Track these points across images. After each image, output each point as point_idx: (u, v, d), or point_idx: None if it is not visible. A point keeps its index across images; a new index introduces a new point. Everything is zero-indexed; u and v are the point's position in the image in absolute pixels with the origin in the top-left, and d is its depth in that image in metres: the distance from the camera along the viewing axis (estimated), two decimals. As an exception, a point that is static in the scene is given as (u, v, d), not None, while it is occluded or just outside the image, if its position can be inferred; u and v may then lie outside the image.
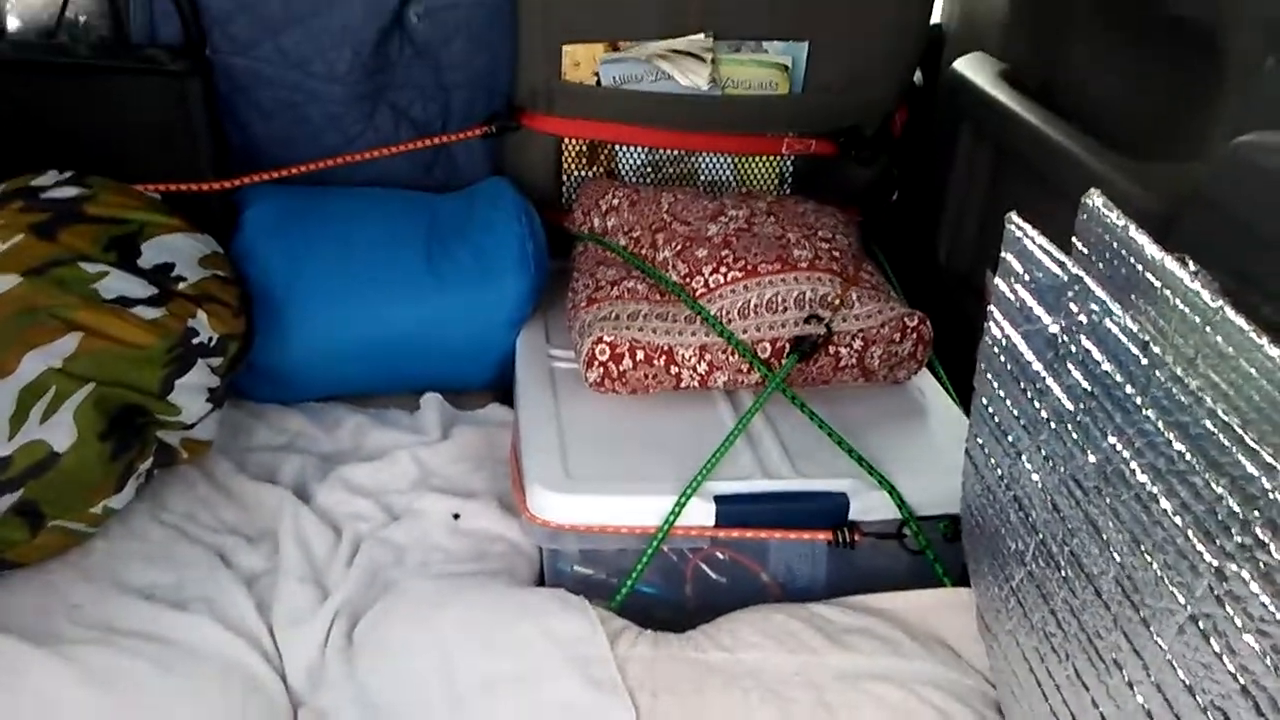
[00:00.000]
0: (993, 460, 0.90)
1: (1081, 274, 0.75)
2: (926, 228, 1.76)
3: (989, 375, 0.89)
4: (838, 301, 1.35)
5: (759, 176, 1.72)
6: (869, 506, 1.17)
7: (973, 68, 1.61)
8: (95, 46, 1.41)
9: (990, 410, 0.89)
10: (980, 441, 0.92)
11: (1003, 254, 0.87)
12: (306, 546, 1.21)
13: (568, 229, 1.61)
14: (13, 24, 1.38)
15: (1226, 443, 0.61)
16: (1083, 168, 1.29)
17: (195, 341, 1.22)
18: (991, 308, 0.89)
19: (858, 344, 1.33)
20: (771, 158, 1.70)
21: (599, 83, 1.58)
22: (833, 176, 1.74)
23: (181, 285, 1.26)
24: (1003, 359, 0.87)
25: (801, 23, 1.58)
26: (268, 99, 1.48)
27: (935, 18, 1.77)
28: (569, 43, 1.55)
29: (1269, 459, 0.57)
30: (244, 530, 1.24)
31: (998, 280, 0.88)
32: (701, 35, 1.56)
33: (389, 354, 1.47)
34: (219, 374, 1.26)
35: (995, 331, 0.88)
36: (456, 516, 1.28)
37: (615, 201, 1.55)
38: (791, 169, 1.72)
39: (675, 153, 1.68)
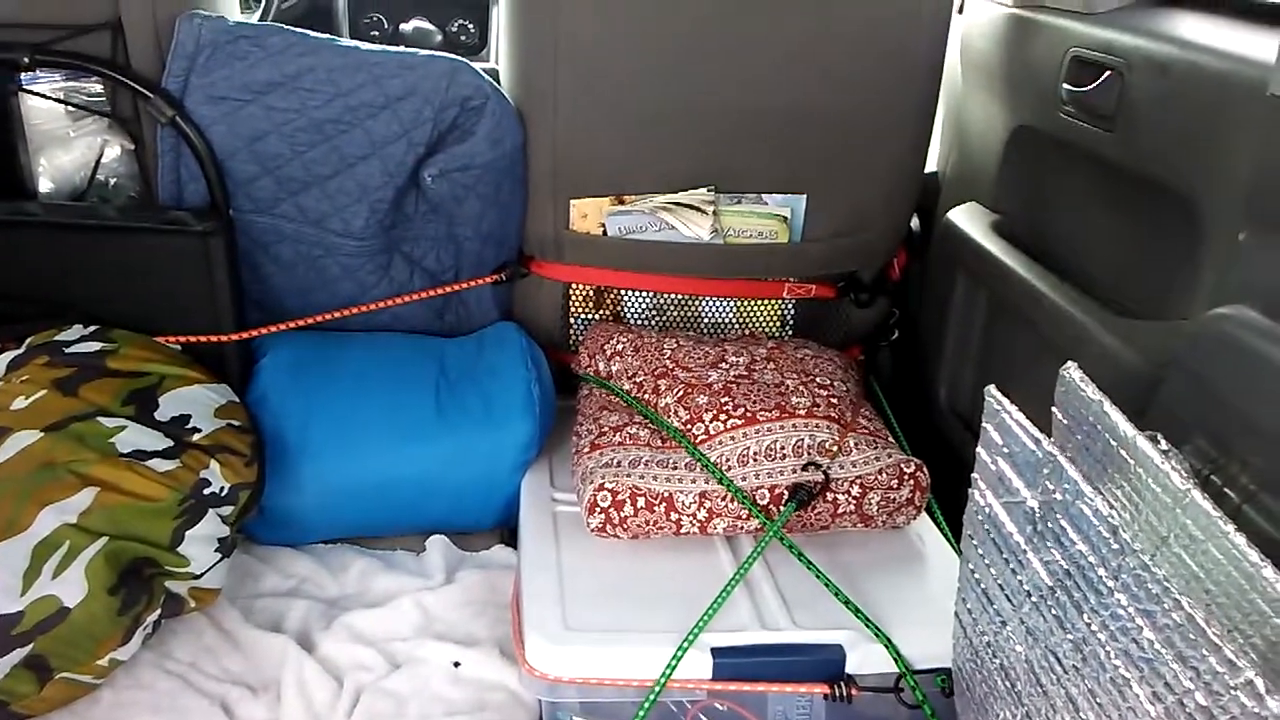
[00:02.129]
0: (980, 626, 0.91)
1: (1055, 453, 0.78)
2: (926, 368, 1.79)
3: (975, 542, 0.91)
4: (835, 448, 1.37)
5: (761, 319, 1.77)
6: (866, 659, 1.18)
7: (966, 218, 1.67)
8: (123, 208, 1.48)
9: (976, 577, 0.91)
10: (968, 606, 0.93)
11: (984, 425, 0.90)
12: (308, 697, 1.22)
13: (574, 370, 1.65)
14: (45, 186, 1.46)
15: (1193, 635, 0.62)
16: (1071, 322, 1.33)
17: (207, 492, 1.26)
18: (975, 475, 0.91)
19: (855, 490, 1.36)
20: (773, 301, 1.76)
21: (605, 233, 1.64)
22: (833, 318, 1.79)
23: (196, 436, 1.30)
24: (986, 527, 0.89)
25: (798, 177, 1.64)
26: (287, 252, 1.55)
27: (931, 165, 1.84)
28: (576, 198, 1.62)
29: (1231, 656, 0.59)
30: (247, 680, 1.25)
31: (980, 449, 0.91)
32: (703, 190, 1.62)
33: (398, 496, 1.50)
34: (229, 523, 1.29)
35: (979, 499, 0.90)
36: (457, 665, 1.29)
37: (620, 346, 1.59)
38: (793, 311, 1.77)
39: (679, 297, 1.73)
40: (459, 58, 1.52)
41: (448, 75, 1.49)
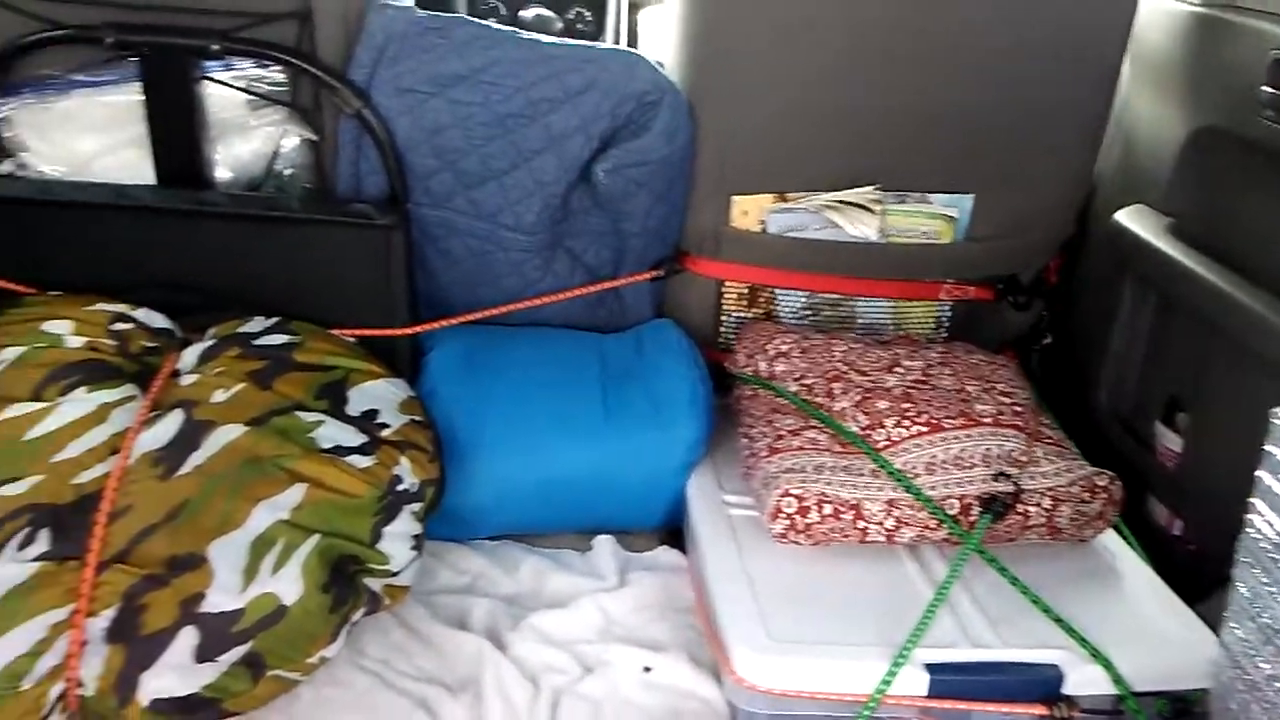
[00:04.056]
0: (1259, 660, 0.88)
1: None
2: (1082, 371, 1.76)
3: (1255, 569, 0.88)
4: (1024, 459, 1.35)
5: (916, 320, 1.74)
6: (1082, 680, 1.15)
7: (1135, 220, 1.63)
8: (304, 199, 1.47)
9: (1255, 607, 0.88)
10: (1240, 634, 0.91)
11: (1267, 447, 0.87)
12: (508, 699, 1.21)
13: (728, 369, 1.63)
14: (222, 174, 1.45)
15: None
16: (1265, 324, 1.29)
17: (400, 489, 1.25)
18: (1256, 500, 0.88)
19: (1046, 503, 1.33)
20: (929, 302, 1.73)
21: (765, 230, 1.62)
22: (989, 321, 1.76)
23: (385, 432, 1.29)
24: (1274, 556, 0.86)
25: (967, 176, 1.61)
26: (457, 247, 1.53)
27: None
28: (739, 194, 1.59)
29: None
30: (443, 679, 1.24)
31: (1262, 473, 0.88)
32: (870, 188, 1.59)
33: (563, 495, 1.48)
34: (420, 520, 1.28)
35: (1262, 526, 0.87)
36: (648, 670, 1.27)
37: (785, 347, 1.57)
38: (949, 313, 1.74)
39: (834, 296, 1.71)
40: (637, 52, 1.50)
41: (627, 70, 1.47)
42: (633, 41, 2.11)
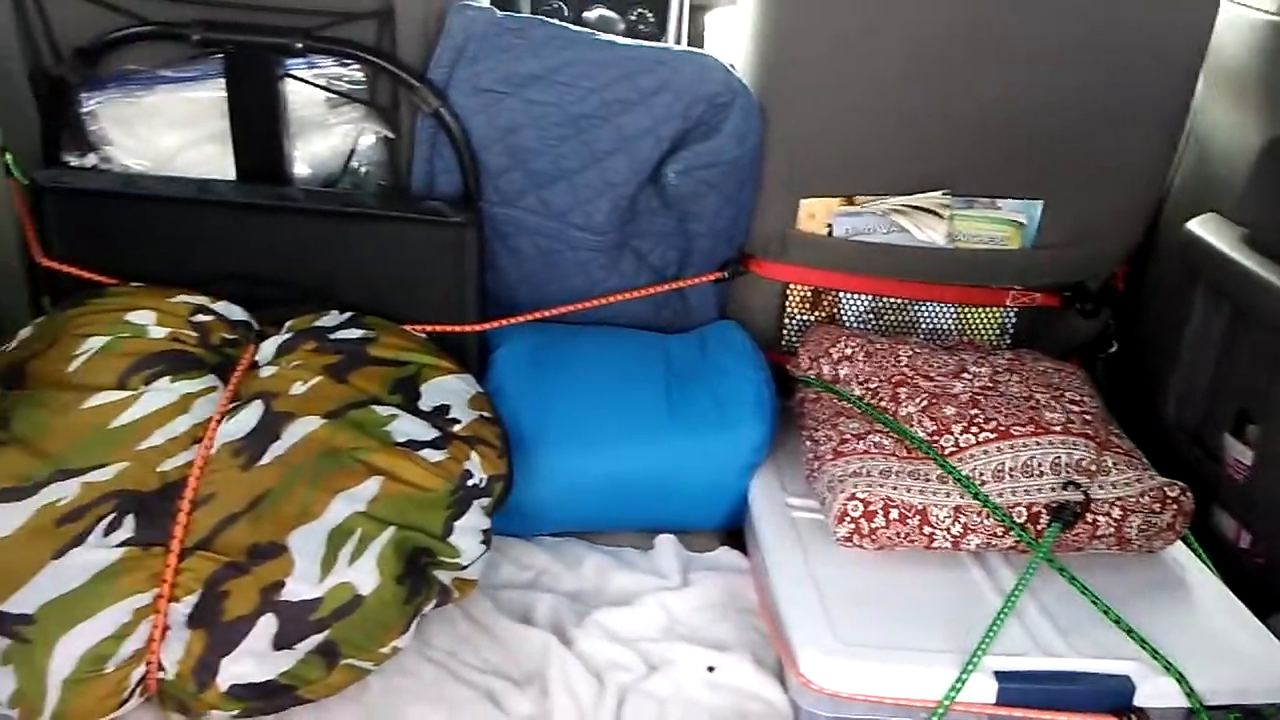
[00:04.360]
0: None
1: None
2: (1149, 381, 1.74)
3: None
4: (1094, 468, 1.34)
5: (980, 327, 1.73)
6: (1153, 692, 1.14)
7: (1209, 229, 1.61)
8: (381, 196, 1.49)
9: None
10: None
11: None
12: (575, 694, 1.22)
13: (790, 372, 1.63)
14: (300, 171, 1.48)
15: None
16: None
17: (471, 484, 1.26)
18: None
19: (1116, 513, 1.32)
20: (994, 309, 1.71)
21: (831, 233, 1.62)
22: (1054, 328, 1.74)
23: (457, 427, 1.30)
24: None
25: (1038, 182, 1.60)
26: (525, 245, 1.55)
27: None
28: (807, 197, 1.59)
29: None
30: (508, 672, 1.26)
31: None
32: (938, 192, 1.58)
33: (626, 494, 1.49)
34: (488, 514, 1.29)
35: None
36: (711, 669, 1.28)
37: (849, 351, 1.56)
38: (1014, 320, 1.73)
39: (899, 301, 1.70)
40: (709, 53, 1.51)
41: (700, 71, 1.47)
42: (694, 42, 2.12)
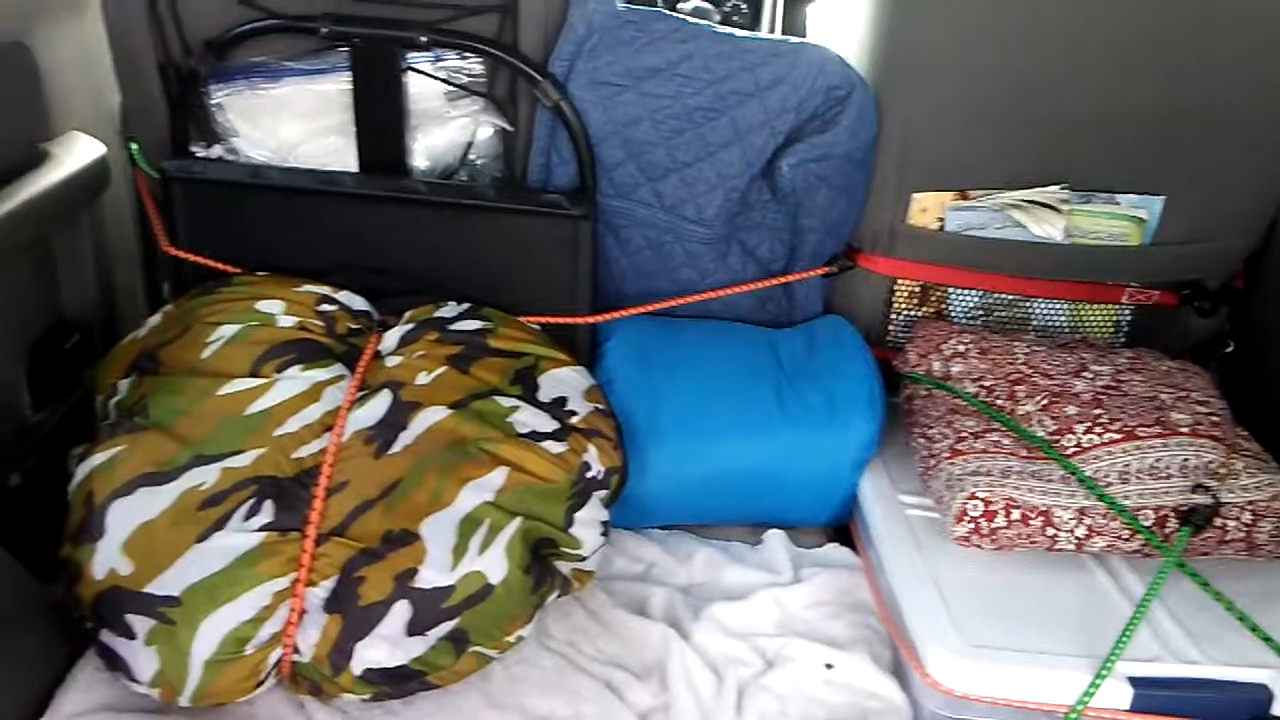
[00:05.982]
0: None
1: None
2: (1268, 382, 1.69)
3: None
4: (1223, 471, 1.30)
5: (1094, 324, 1.70)
6: (1292, 702, 1.12)
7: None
8: (499, 188, 1.50)
9: None
10: None
11: None
12: (695, 688, 1.22)
13: (898, 368, 1.61)
14: (419, 163, 1.50)
15: None
16: None
17: (589, 475, 1.27)
18: None
19: (1246, 517, 1.29)
20: (1109, 305, 1.68)
21: (943, 228, 1.59)
22: (1169, 326, 1.70)
23: (574, 419, 1.31)
24: None
25: (1158, 177, 1.56)
26: (636, 237, 1.55)
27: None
28: (919, 191, 1.57)
29: None
30: (627, 664, 1.26)
31: None
32: (1056, 187, 1.56)
33: (736, 487, 1.49)
34: (606, 506, 1.30)
35: None
36: (829, 667, 1.27)
37: (961, 347, 1.54)
38: (1129, 318, 1.69)
39: (1009, 297, 1.67)
40: (826, 45, 1.49)
41: (817, 64, 1.46)
42: (794, 33, 2.10)
